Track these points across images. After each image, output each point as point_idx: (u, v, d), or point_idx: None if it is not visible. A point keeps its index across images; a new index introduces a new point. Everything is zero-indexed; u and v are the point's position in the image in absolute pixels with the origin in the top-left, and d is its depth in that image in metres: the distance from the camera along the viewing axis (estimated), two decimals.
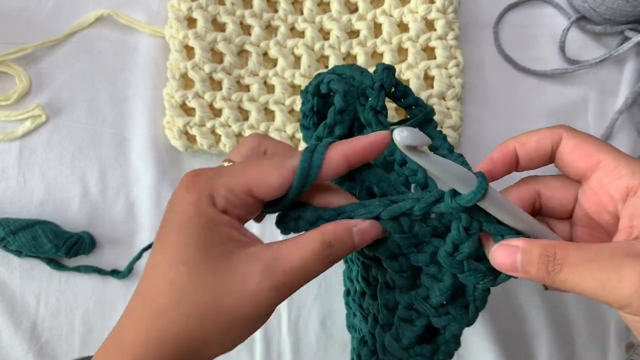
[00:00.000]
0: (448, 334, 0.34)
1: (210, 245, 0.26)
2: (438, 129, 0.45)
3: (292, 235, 0.29)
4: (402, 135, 0.23)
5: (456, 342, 0.35)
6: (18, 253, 0.51)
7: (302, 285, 0.27)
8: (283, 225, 0.31)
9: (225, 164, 0.31)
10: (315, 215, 0.29)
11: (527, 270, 0.26)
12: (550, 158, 0.30)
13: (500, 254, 0.27)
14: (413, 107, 0.45)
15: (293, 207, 0.30)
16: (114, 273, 0.52)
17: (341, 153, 0.28)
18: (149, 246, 0.52)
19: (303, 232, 0.29)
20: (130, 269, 0.51)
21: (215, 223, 0.26)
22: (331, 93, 0.42)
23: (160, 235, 0.27)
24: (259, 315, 0.26)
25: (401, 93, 0.44)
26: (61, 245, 0.50)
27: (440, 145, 0.42)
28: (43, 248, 0.50)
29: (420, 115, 0.43)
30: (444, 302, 0.33)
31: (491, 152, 0.31)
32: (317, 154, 0.28)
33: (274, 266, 0.26)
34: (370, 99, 0.40)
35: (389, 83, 0.40)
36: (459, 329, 0.33)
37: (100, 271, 0.52)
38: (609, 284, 0.23)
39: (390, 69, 0.41)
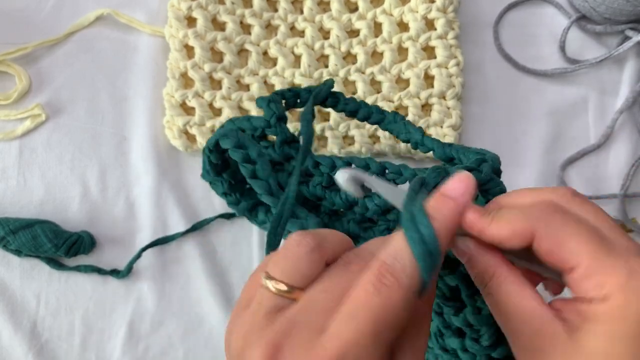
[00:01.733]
0: None
1: None
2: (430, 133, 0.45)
3: None
4: (343, 179, 0.25)
5: None
6: (18, 252, 0.51)
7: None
8: None
9: (271, 285, 0.22)
10: None
11: (469, 271, 0.26)
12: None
13: (456, 245, 0.26)
14: (347, 105, 0.45)
15: None
16: (114, 273, 0.52)
17: (444, 226, 0.23)
18: (149, 246, 0.52)
19: None
20: (129, 268, 0.51)
21: None
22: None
23: None
24: None
25: (333, 102, 0.44)
26: (61, 245, 0.50)
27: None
28: (43, 247, 0.50)
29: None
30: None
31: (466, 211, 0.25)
32: (431, 241, 0.22)
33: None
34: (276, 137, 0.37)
35: (280, 114, 0.38)
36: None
37: (99, 271, 0.52)
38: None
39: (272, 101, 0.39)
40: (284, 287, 0.22)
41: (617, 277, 0.22)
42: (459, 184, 0.24)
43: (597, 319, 0.22)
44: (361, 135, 0.52)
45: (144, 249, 0.52)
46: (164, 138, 0.54)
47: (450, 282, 0.33)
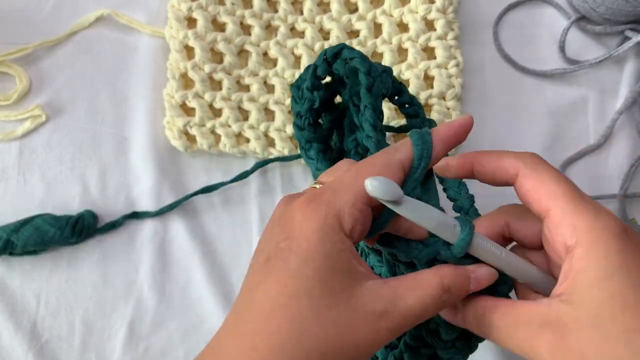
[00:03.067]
0: None
1: (333, 277, 0.24)
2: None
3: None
4: (373, 185, 0.24)
5: None
6: (27, 253, 0.51)
7: (420, 319, 0.26)
8: (391, 245, 0.29)
9: (317, 185, 0.28)
10: (434, 251, 0.27)
11: (466, 325, 0.28)
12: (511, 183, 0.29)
13: (446, 314, 0.29)
14: (407, 106, 0.44)
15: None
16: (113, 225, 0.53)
17: (439, 137, 0.28)
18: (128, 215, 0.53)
19: (419, 270, 0.27)
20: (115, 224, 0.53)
21: (340, 250, 0.24)
22: (335, 79, 0.39)
23: (270, 263, 0.25)
24: (370, 355, 0.25)
25: (396, 90, 0.43)
26: (64, 227, 0.50)
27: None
28: (48, 235, 0.50)
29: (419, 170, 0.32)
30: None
31: (451, 158, 0.30)
32: (426, 135, 0.28)
33: (393, 308, 0.24)
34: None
35: (386, 86, 0.39)
36: (463, 359, 0.34)
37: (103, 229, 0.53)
38: (529, 352, 0.24)
39: (387, 71, 0.39)
40: (319, 184, 0.28)
41: (586, 219, 0.24)
42: (455, 125, 0.29)
43: (575, 268, 0.24)
44: None
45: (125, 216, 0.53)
46: (164, 138, 0.54)
47: None
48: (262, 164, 0.54)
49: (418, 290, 0.25)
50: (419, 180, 0.28)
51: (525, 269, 0.28)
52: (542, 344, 0.23)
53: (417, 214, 0.25)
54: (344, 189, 0.25)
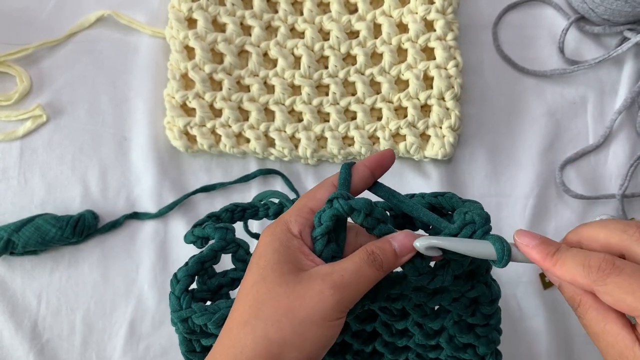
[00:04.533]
0: None
1: (282, 263, 0.31)
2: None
3: None
4: (422, 245, 0.31)
5: None
6: (28, 253, 0.51)
7: (360, 290, 0.31)
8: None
9: None
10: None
11: (563, 295, 0.30)
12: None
13: (547, 275, 0.31)
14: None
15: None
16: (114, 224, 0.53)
17: (362, 164, 0.35)
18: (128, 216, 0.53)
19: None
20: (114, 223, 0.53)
21: (286, 246, 0.31)
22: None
23: (248, 265, 0.33)
24: (327, 315, 0.30)
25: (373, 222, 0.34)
26: (65, 226, 0.50)
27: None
28: (49, 235, 0.50)
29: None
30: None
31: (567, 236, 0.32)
32: (345, 168, 0.34)
33: (332, 272, 0.30)
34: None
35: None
36: None
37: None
38: (604, 351, 0.29)
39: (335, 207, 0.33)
40: None
41: None
42: (378, 155, 0.35)
43: None
44: (361, 136, 0.53)
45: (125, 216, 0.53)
46: (164, 139, 0.54)
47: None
48: (266, 172, 0.54)
49: (349, 258, 0.31)
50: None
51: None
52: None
53: (458, 251, 0.30)
54: (292, 208, 0.33)
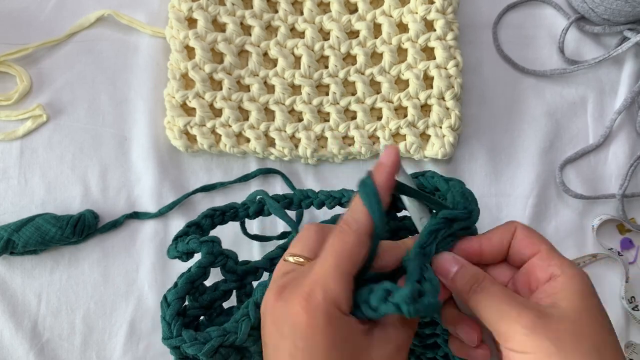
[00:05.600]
0: None
1: (355, 351, 0.28)
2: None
3: None
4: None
5: None
6: (29, 252, 0.51)
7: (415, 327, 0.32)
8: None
9: (291, 259, 0.31)
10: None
11: (455, 281, 0.31)
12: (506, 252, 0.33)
13: (445, 260, 0.32)
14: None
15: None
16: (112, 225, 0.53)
17: (386, 177, 0.30)
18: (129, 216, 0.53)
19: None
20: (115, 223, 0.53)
21: (350, 329, 0.28)
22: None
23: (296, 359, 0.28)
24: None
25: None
26: (65, 226, 0.50)
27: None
28: (49, 234, 0.50)
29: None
30: None
31: (459, 244, 0.33)
32: (376, 206, 0.29)
33: (399, 338, 0.30)
34: None
35: None
36: None
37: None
38: (506, 317, 0.28)
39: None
40: (300, 259, 0.31)
41: (569, 263, 0.30)
42: (388, 156, 0.30)
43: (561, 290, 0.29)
44: (361, 136, 0.53)
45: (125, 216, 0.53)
46: (164, 138, 0.54)
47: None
48: (265, 171, 0.54)
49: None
50: (385, 229, 0.31)
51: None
52: (522, 319, 0.28)
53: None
54: (332, 279, 0.28)
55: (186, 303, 0.38)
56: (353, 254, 0.29)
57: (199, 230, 0.41)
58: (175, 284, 0.36)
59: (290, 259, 0.32)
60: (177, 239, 0.40)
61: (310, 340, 0.27)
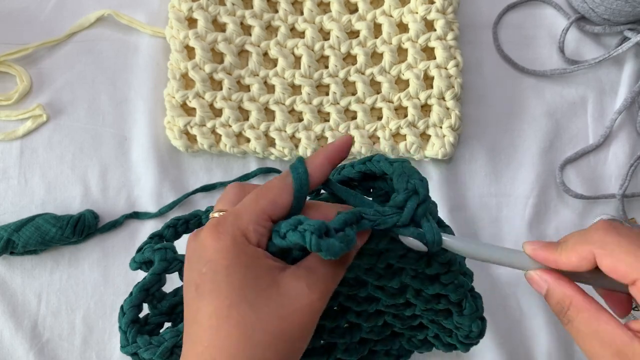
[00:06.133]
0: None
1: (258, 279, 0.28)
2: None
3: None
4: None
5: None
6: (29, 252, 0.51)
7: (339, 278, 0.30)
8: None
9: (216, 214, 0.32)
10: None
11: (548, 301, 0.31)
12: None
13: (535, 280, 0.32)
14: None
15: None
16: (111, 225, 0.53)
17: (323, 158, 0.32)
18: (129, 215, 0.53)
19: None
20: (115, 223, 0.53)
21: (256, 258, 0.28)
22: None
23: (200, 289, 0.28)
24: (316, 318, 0.29)
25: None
26: (65, 226, 0.50)
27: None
28: (49, 234, 0.50)
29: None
30: None
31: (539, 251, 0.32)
32: (300, 164, 0.32)
33: (313, 279, 0.29)
34: None
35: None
36: None
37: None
38: (596, 357, 0.28)
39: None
40: (221, 213, 0.31)
41: None
42: (340, 140, 0.32)
43: None
44: (361, 136, 0.53)
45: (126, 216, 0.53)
46: (164, 138, 0.54)
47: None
48: (265, 170, 0.54)
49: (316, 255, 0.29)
50: (298, 211, 0.31)
51: (499, 254, 0.33)
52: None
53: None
54: (245, 212, 0.29)
55: (148, 312, 0.38)
56: (275, 195, 0.30)
57: (160, 240, 0.41)
58: (131, 293, 0.37)
59: (216, 214, 0.32)
60: (138, 250, 0.40)
61: (213, 264, 0.28)
